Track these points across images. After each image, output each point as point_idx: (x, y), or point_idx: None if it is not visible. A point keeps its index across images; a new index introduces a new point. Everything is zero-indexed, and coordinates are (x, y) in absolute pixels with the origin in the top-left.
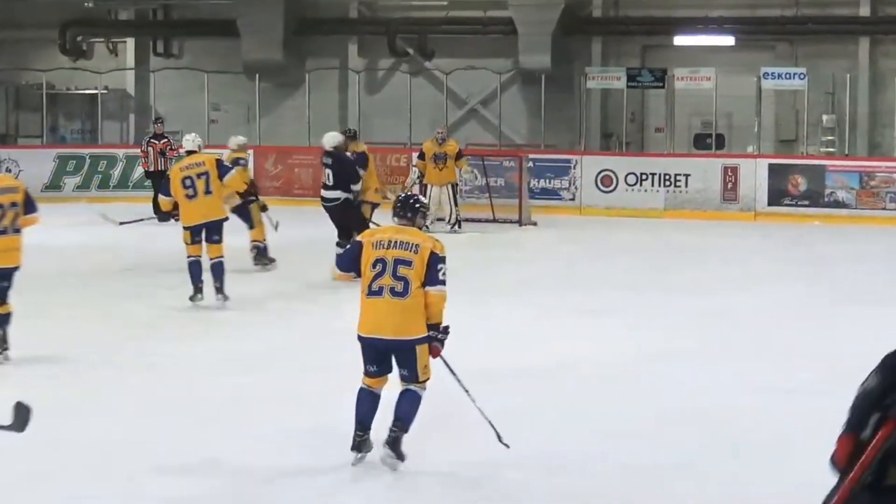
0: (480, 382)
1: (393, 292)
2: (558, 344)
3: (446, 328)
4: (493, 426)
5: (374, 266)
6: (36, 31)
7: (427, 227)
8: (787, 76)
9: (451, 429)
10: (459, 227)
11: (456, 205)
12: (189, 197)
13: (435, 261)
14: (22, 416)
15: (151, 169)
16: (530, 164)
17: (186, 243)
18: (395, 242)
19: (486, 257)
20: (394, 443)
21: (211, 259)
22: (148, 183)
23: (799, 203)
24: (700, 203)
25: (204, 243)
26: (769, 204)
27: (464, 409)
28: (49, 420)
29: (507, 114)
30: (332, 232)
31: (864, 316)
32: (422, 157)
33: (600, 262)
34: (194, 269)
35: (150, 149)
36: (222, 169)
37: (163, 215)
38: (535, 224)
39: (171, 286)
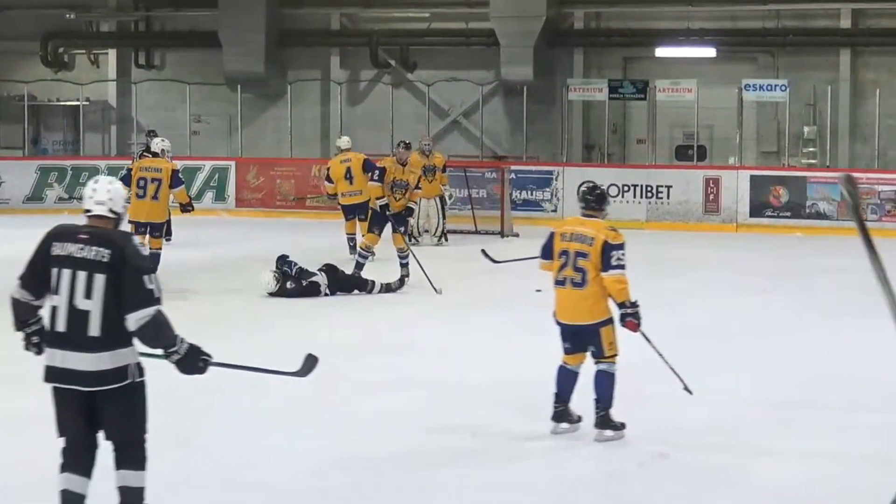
0: (462, 393)
1: (573, 283)
2: (540, 357)
3: (634, 303)
4: (679, 377)
5: (560, 256)
6: (17, 43)
7: (417, 239)
8: (769, 88)
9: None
10: (445, 239)
11: (444, 217)
12: (139, 196)
13: (608, 249)
14: (309, 364)
15: None
16: (512, 175)
17: None
18: (576, 235)
19: (468, 269)
20: (602, 422)
21: (150, 249)
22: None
23: (781, 214)
24: (682, 215)
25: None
26: (751, 215)
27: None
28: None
29: (490, 125)
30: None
31: (844, 327)
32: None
33: None
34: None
35: None
36: (175, 180)
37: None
38: (517, 235)
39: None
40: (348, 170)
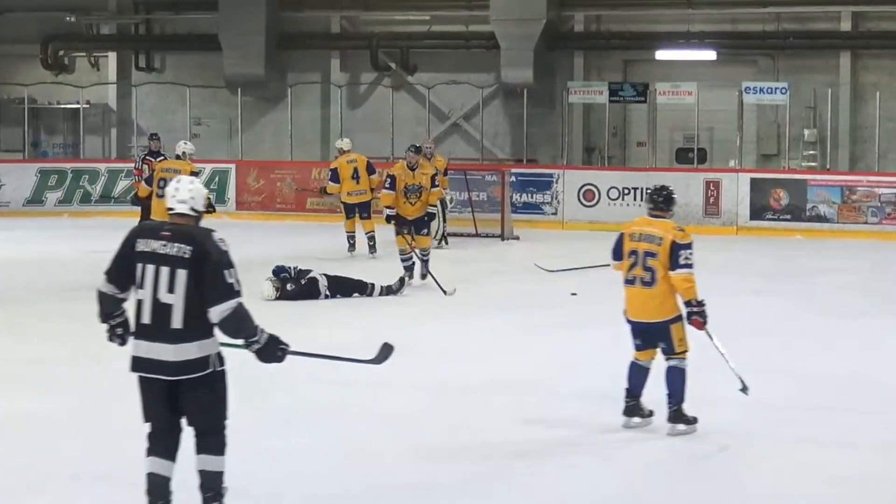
0: (461, 396)
1: (642, 282)
2: (539, 359)
3: (700, 302)
4: (739, 377)
5: (629, 256)
6: (17, 46)
7: (440, 242)
8: (769, 91)
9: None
10: (446, 242)
11: (444, 221)
12: (158, 196)
13: (676, 248)
14: (385, 353)
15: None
16: (513, 178)
17: None
18: (644, 235)
19: (469, 272)
20: (675, 416)
21: None
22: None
23: (781, 217)
24: (682, 217)
25: None
26: (751, 218)
27: None
28: (30, 436)
29: (490, 128)
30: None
31: (844, 328)
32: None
33: (582, 277)
34: None
35: (146, 166)
36: None
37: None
38: (517, 238)
39: None
40: (355, 170)
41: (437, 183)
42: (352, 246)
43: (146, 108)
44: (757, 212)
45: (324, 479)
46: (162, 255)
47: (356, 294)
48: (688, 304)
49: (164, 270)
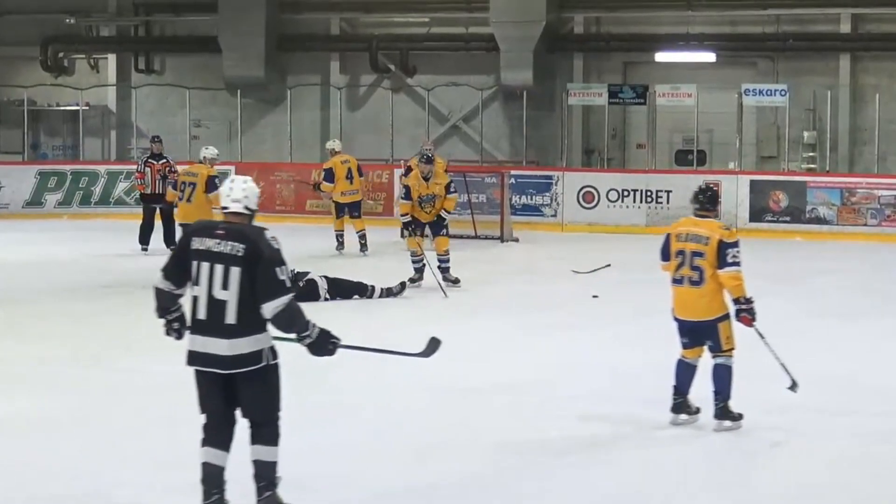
0: (461, 396)
1: (690, 281)
2: (540, 360)
3: (749, 299)
4: (788, 373)
5: (676, 256)
6: (17, 48)
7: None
8: (768, 93)
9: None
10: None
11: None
12: (179, 199)
13: (723, 247)
14: (433, 346)
15: (149, 191)
16: (512, 180)
17: None
18: (691, 235)
19: (468, 274)
20: (721, 413)
21: None
22: (130, 199)
23: (780, 219)
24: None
25: None
26: (750, 220)
27: None
28: (30, 436)
29: (489, 130)
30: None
31: (844, 329)
32: (408, 174)
33: (582, 279)
34: None
35: (148, 169)
36: (210, 185)
37: (145, 246)
38: (517, 240)
39: (150, 305)
40: (349, 170)
41: (453, 190)
42: (340, 244)
43: (146, 110)
44: (756, 214)
45: (324, 480)
46: (216, 253)
47: (356, 296)
48: (736, 301)
49: (219, 268)
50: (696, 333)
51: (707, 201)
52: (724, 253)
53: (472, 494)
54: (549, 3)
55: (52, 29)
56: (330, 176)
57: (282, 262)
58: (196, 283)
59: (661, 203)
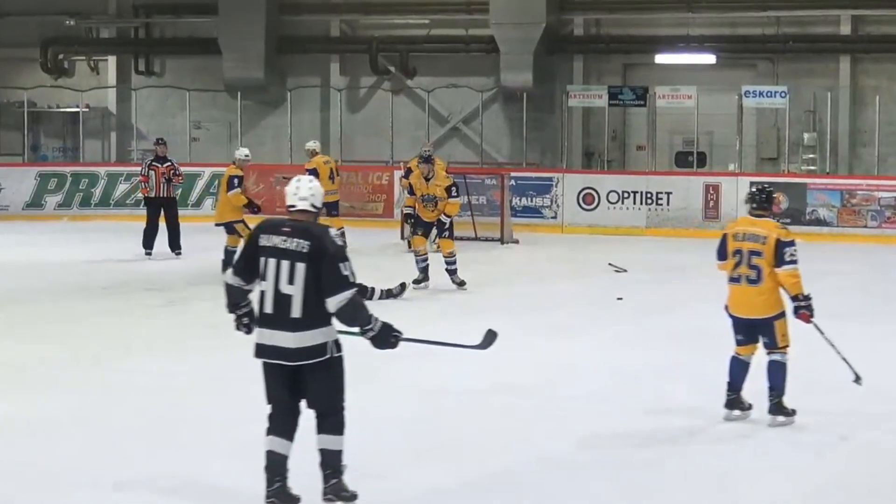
0: (459, 400)
1: (748, 280)
2: (540, 361)
3: (807, 296)
4: (851, 367)
5: (734, 255)
6: (17, 49)
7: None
8: (768, 94)
9: None
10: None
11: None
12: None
13: (781, 246)
14: (490, 338)
15: (152, 195)
16: (512, 182)
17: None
18: (748, 235)
19: (469, 275)
20: (775, 408)
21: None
22: (130, 201)
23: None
24: (682, 221)
25: None
26: None
27: None
28: (30, 436)
29: (489, 132)
30: None
31: (844, 332)
32: (407, 175)
33: (582, 280)
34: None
35: (153, 172)
36: (229, 185)
37: (149, 251)
38: (517, 242)
39: (150, 306)
40: (331, 171)
41: (455, 194)
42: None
43: (146, 111)
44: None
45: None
46: (283, 250)
47: None
48: (794, 298)
49: (285, 264)
50: (752, 330)
51: (764, 201)
52: (781, 252)
53: (472, 496)
54: (549, 5)
55: (53, 30)
56: (315, 176)
57: (345, 259)
58: (264, 278)
59: (662, 205)
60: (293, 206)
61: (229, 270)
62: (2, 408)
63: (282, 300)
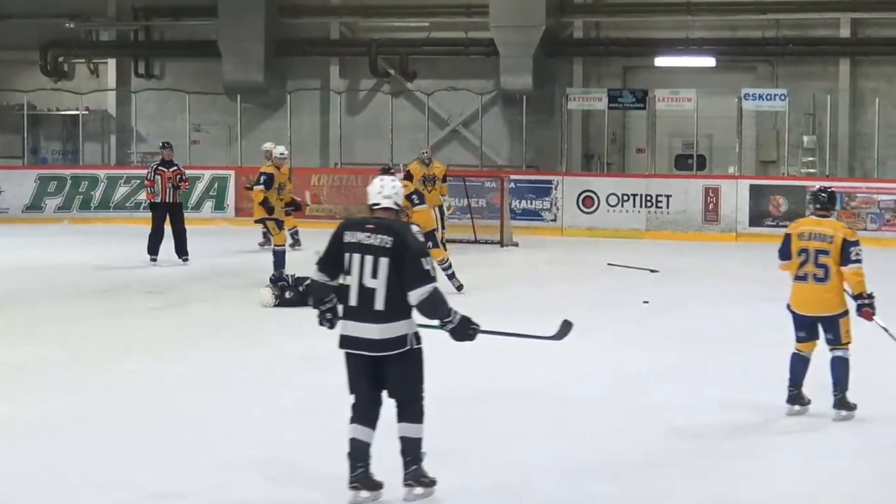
0: (461, 402)
1: (815, 278)
2: (540, 363)
3: (870, 295)
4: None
5: (799, 254)
6: (17, 52)
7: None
8: (768, 97)
9: None
10: (444, 249)
11: (443, 227)
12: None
13: (847, 245)
14: (565, 329)
15: (158, 200)
16: (512, 184)
17: None
18: (815, 234)
19: (468, 278)
20: (839, 403)
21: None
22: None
23: (780, 224)
24: (681, 224)
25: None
26: (750, 225)
27: None
28: (30, 437)
29: (489, 135)
30: None
31: None
32: (408, 178)
33: (581, 282)
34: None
35: (158, 177)
36: (256, 181)
37: (154, 257)
38: (516, 245)
39: (150, 307)
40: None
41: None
42: (296, 242)
43: (145, 114)
44: (756, 218)
45: (328, 486)
46: (367, 245)
47: None
48: (858, 296)
49: (369, 259)
50: (815, 328)
51: (828, 201)
52: (847, 251)
53: (473, 497)
54: (549, 8)
55: (52, 33)
56: (272, 180)
57: (426, 254)
58: (348, 272)
59: (661, 207)
60: (377, 204)
61: (314, 266)
62: (2, 408)
63: (366, 293)
